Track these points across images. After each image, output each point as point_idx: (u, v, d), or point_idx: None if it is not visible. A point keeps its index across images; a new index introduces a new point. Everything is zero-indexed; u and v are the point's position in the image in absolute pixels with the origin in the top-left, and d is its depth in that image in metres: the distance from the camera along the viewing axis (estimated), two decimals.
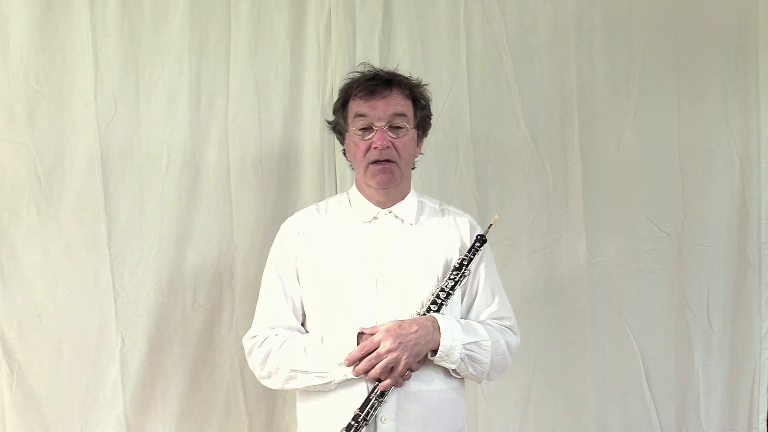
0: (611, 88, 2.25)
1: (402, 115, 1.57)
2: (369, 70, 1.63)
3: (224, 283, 2.07)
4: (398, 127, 1.56)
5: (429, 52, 2.17)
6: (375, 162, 1.55)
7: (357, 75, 1.63)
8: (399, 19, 2.16)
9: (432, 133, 1.76)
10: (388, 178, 1.56)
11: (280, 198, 2.10)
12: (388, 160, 1.55)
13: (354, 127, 1.58)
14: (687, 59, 2.28)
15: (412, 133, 1.60)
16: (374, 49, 2.13)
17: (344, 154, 1.70)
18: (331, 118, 1.70)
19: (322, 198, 1.98)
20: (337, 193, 2.06)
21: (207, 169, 2.06)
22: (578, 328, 2.24)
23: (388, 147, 1.54)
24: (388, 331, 1.47)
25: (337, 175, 2.12)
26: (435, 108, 1.73)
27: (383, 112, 1.55)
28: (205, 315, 2.06)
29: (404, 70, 1.69)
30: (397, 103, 1.57)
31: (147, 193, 2.02)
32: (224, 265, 2.07)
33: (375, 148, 1.54)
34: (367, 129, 1.56)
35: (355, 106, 1.58)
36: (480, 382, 1.62)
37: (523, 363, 2.19)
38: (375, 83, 1.58)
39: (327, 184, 2.12)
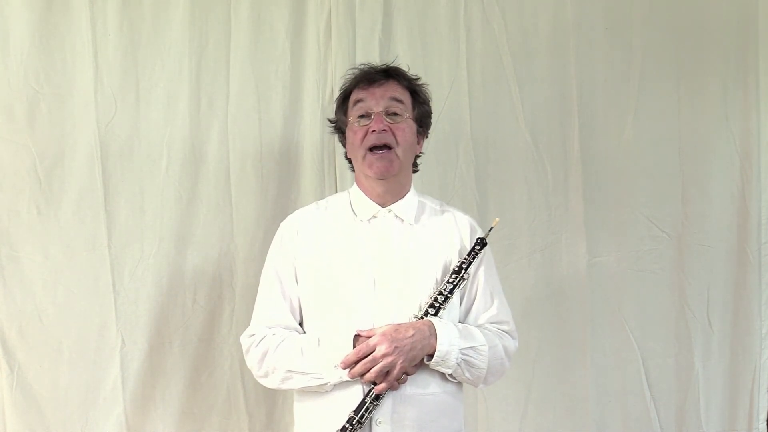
0: (611, 88, 2.25)
1: (399, 101, 1.59)
2: (368, 66, 1.66)
3: (224, 283, 2.07)
4: (396, 113, 1.58)
5: (429, 52, 2.17)
6: (372, 150, 1.55)
7: (356, 71, 1.65)
8: (399, 19, 2.16)
9: (432, 133, 1.76)
10: (385, 165, 1.55)
11: (280, 198, 2.10)
12: (385, 146, 1.55)
13: (353, 115, 1.60)
14: (687, 59, 2.28)
15: (411, 123, 1.61)
16: (374, 49, 2.13)
17: (346, 156, 1.70)
18: (332, 116, 1.71)
19: (322, 198, 1.97)
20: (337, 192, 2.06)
21: (207, 170, 2.06)
22: (578, 328, 2.24)
23: (384, 130, 1.55)
24: (384, 334, 1.46)
25: (337, 175, 2.12)
26: (435, 108, 1.73)
27: (381, 97, 1.58)
28: (205, 315, 2.06)
29: (409, 72, 1.70)
30: (394, 90, 1.60)
31: (147, 193, 2.02)
32: (224, 265, 2.07)
33: (372, 131, 1.55)
34: (365, 116, 1.58)
35: (355, 95, 1.62)
36: (477, 386, 1.62)
37: (523, 363, 2.19)
38: (373, 73, 1.62)
39: (327, 184, 2.12)
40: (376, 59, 2.08)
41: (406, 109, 1.60)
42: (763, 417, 2.35)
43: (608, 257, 2.26)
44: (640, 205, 2.27)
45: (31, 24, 1.94)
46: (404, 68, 1.67)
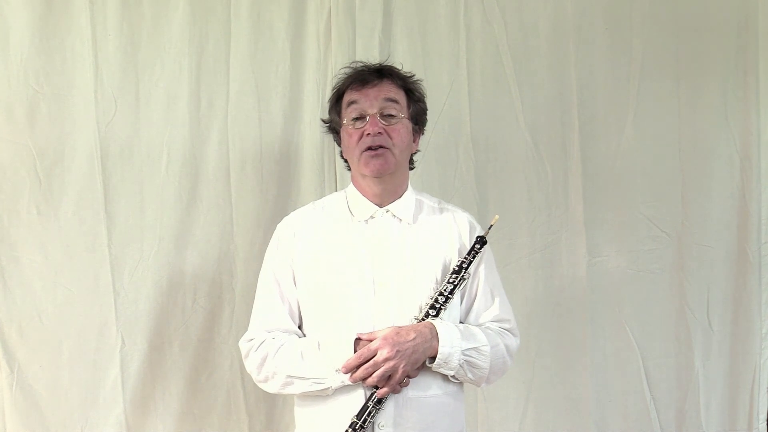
0: (611, 88, 2.25)
1: (394, 101, 1.57)
2: (361, 65, 1.64)
3: (224, 283, 2.07)
4: (391, 115, 1.56)
5: (429, 52, 2.17)
6: (368, 149, 1.54)
7: (349, 71, 1.64)
8: (399, 19, 2.16)
9: (432, 133, 1.76)
10: (381, 164, 1.54)
11: (280, 198, 2.10)
12: (381, 146, 1.53)
13: (347, 117, 1.58)
14: (687, 59, 2.28)
15: (406, 122, 1.59)
16: (374, 49, 2.13)
17: (342, 156, 1.69)
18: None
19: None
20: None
21: (207, 170, 2.06)
22: (578, 328, 2.24)
23: (380, 133, 1.53)
24: (385, 338, 1.45)
25: (337, 175, 2.12)
26: (435, 108, 1.73)
27: (375, 98, 1.56)
28: (205, 315, 2.06)
29: (404, 70, 1.69)
30: (388, 90, 1.58)
31: (147, 193, 2.02)
32: (224, 265, 2.07)
33: (367, 134, 1.53)
34: (360, 118, 1.56)
35: (348, 96, 1.59)
36: (479, 386, 1.61)
37: (523, 363, 2.19)
38: (366, 73, 1.59)
39: (327, 184, 2.12)
40: (376, 59, 2.07)
41: (401, 109, 1.58)
42: (763, 417, 2.35)
43: (608, 257, 2.26)
44: (640, 205, 2.26)
45: (31, 24, 1.94)
46: (398, 66, 1.66)
